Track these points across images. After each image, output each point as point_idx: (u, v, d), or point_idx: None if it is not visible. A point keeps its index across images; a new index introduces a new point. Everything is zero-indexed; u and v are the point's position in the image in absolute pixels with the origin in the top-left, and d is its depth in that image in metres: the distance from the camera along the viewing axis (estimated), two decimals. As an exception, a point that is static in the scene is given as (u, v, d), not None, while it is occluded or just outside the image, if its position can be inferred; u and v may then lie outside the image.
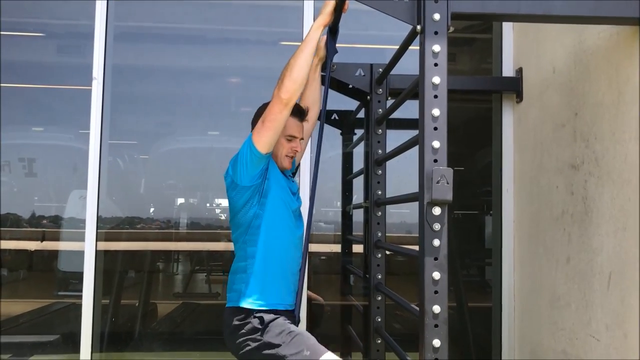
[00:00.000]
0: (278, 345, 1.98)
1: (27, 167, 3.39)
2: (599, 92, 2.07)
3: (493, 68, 2.99)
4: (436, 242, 1.67)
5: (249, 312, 2.06)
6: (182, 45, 3.97)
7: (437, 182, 1.65)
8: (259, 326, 2.02)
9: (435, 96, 1.71)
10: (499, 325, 2.85)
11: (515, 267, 2.82)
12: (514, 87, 2.78)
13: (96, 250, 2.91)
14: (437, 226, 1.67)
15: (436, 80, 1.70)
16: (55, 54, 3.84)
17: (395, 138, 2.73)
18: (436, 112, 1.70)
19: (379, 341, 2.57)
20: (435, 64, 1.71)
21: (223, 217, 4.58)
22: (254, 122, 2.18)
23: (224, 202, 4.60)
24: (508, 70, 2.87)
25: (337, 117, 3.61)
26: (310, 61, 2.07)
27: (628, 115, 1.89)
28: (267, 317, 2.04)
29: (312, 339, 2.02)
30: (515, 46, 2.87)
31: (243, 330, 2.04)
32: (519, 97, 2.78)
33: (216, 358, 4.10)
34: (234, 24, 3.98)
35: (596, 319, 2.05)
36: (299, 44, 3.17)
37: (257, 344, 2.01)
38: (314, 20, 2.11)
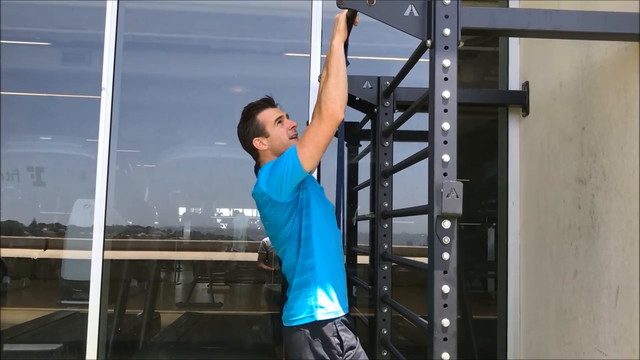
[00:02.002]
0: None
1: (36, 176, 3.40)
2: (606, 106, 2.08)
3: (499, 81, 3.01)
4: (446, 256, 1.67)
5: (324, 324, 2.03)
6: (188, 55, 4.00)
7: (447, 196, 1.65)
8: (339, 348, 2.01)
9: (445, 110, 1.72)
10: (504, 337, 2.85)
11: (521, 280, 2.82)
12: (521, 100, 2.80)
13: (103, 259, 2.90)
14: (446, 240, 1.68)
15: (446, 94, 1.72)
16: (63, 62, 3.86)
17: (401, 150, 2.75)
18: (446, 126, 1.71)
19: (385, 353, 2.57)
20: (446, 79, 1.73)
21: (224, 227, 4.59)
22: (248, 136, 2.20)
23: (225, 212, 4.62)
24: (514, 84, 2.89)
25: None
26: (346, 76, 2.06)
27: (636, 130, 1.90)
28: (346, 337, 2.03)
29: None
30: (521, 60, 2.89)
31: (318, 347, 2.02)
32: (525, 110, 2.79)
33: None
34: (240, 35, 4.01)
35: (604, 333, 2.06)
36: (304, 55, 3.21)
37: None
38: (334, 39, 2.09)
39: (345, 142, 3.68)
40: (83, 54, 3.78)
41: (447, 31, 1.72)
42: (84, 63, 3.76)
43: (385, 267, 2.62)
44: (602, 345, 2.06)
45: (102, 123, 2.85)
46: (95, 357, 2.94)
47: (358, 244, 3.54)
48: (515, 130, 2.88)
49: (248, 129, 2.21)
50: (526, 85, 2.80)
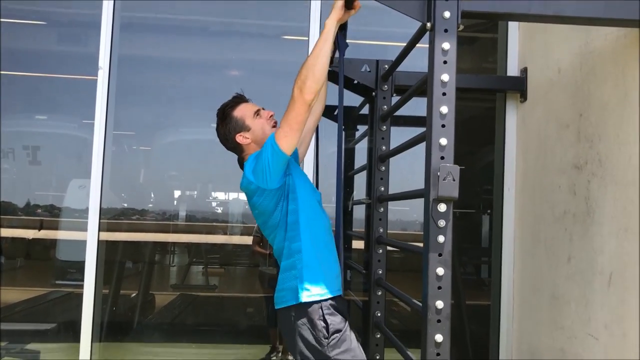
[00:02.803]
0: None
1: (31, 155, 3.39)
2: (604, 93, 2.09)
3: (498, 67, 3.01)
4: (441, 239, 1.68)
5: (308, 306, 2.04)
6: (185, 37, 3.98)
7: (444, 179, 1.66)
8: (325, 331, 2.02)
9: (444, 94, 1.72)
10: (497, 323, 2.87)
11: (515, 266, 2.84)
12: (519, 86, 2.80)
13: (98, 240, 2.90)
14: (442, 223, 1.68)
15: (445, 77, 1.71)
16: (60, 42, 3.84)
17: (398, 135, 2.75)
18: (444, 109, 1.71)
19: (378, 336, 2.59)
20: (445, 62, 1.72)
21: (219, 211, 4.59)
22: (230, 134, 2.21)
23: (220, 196, 4.63)
24: (513, 70, 2.89)
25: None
26: (329, 58, 2.05)
27: (633, 117, 1.91)
28: (333, 320, 2.04)
29: None
30: (520, 46, 2.88)
31: (304, 329, 2.04)
32: (523, 96, 2.79)
33: (213, 350, 4.13)
34: (237, 17, 3.98)
35: (595, 318, 2.07)
36: (302, 38, 3.19)
37: (319, 348, 2.02)
38: (329, 17, 2.08)
39: (343, 127, 3.70)
40: (80, 34, 3.76)
41: (447, 14, 1.72)
42: (82, 44, 3.74)
43: (380, 251, 2.63)
44: (593, 330, 2.08)
45: (99, 102, 2.84)
46: (89, 337, 2.95)
47: (354, 229, 3.56)
48: (513, 116, 2.88)
49: (228, 127, 2.21)
50: (525, 71, 2.80)
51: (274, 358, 3.95)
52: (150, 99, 4.05)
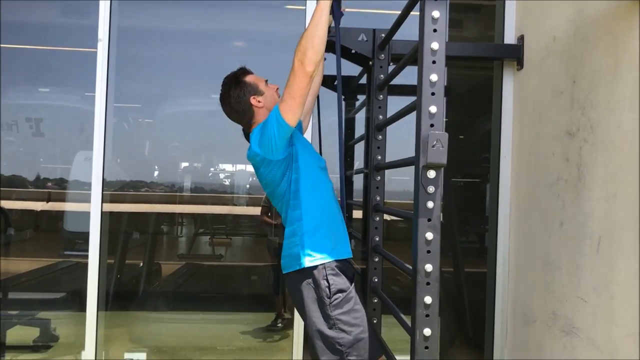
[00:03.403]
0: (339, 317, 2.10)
1: (35, 126, 3.44)
2: (596, 60, 2.10)
3: (495, 35, 3.01)
4: (430, 204, 1.73)
5: (313, 269, 2.12)
6: (185, 8, 3.98)
7: (433, 146, 1.69)
8: (327, 290, 2.10)
9: (434, 62, 1.74)
10: (493, 288, 2.93)
11: (511, 233, 2.89)
12: (515, 54, 2.80)
13: (102, 212, 2.97)
14: (431, 189, 1.72)
15: (435, 46, 1.74)
16: (62, 15, 3.85)
17: (397, 104, 2.77)
18: (434, 77, 1.73)
19: (375, 300, 2.66)
20: (435, 30, 1.74)
21: (226, 182, 4.65)
22: (244, 97, 2.24)
23: (226, 167, 4.68)
24: (510, 38, 2.89)
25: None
26: (327, 28, 2.08)
27: (623, 83, 1.93)
28: (335, 280, 2.11)
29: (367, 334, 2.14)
30: (517, 13, 2.88)
31: (309, 289, 2.13)
32: (520, 64, 2.80)
33: (220, 316, 4.23)
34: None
35: (585, 281, 2.12)
36: (302, 7, 3.19)
37: (321, 307, 2.11)
38: None
39: (342, 97, 3.72)
40: (81, 6, 3.77)
41: (436, -18, 1.73)
42: (84, 16, 3.75)
43: (377, 218, 2.68)
44: (582, 293, 2.14)
45: (99, 74, 2.87)
46: (95, 306, 3.03)
47: (354, 198, 3.61)
48: (510, 84, 2.90)
49: (243, 89, 2.25)
50: (521, 39, 2.80)
51: (280, 325, 4.05)
52: (151, 71, 4.07)
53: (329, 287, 2.09)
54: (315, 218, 2.19)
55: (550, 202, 2.42)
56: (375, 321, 2.67)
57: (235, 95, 2.25)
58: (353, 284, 2.19)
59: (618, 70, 1.96)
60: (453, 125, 3.93)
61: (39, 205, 4.32)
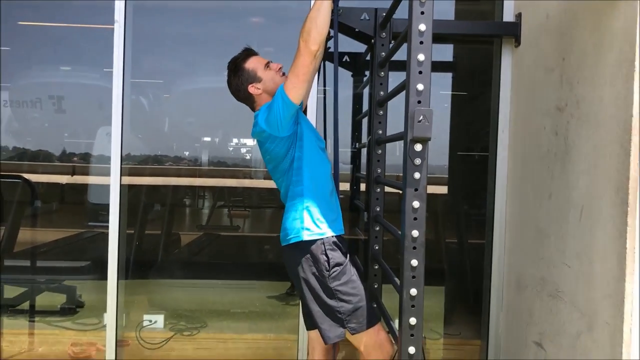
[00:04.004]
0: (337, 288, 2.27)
1: (57, 104, 3.63)
2: (583, 38, 2.20)
3: (495, 13, 3.09)
4: (417, 175, 1.87)
5: (311, 243, 2.28)
6: None
7: (419, 122, 1.83)
8: (327, 264, 2.26)
9: (421, 42, 1.86)
10: (490, 257, 3.07)
11: (507, 204, 3.01)
12: (513, 31, 2.89)
13: (120, 184, 3.15)
14: (417, 161, 1.86)
15: (422, 27, 1.86)
16: None
17: (400, 80, 2.88)
18: (421, 57, 1.86)
19: (376, 267, 2.82)
20: (422, 12, 1.86)
21: (248, 157, 4.82)
22: (243, 85, 2.37)
23: (244, 142, 4.84)
24: (509, 15, 2.97)
25: (348, 59, 3.75)
26: (330, 9, 2.19)
27: (605, 61, 2.03)
28: (334, 255, 2.27)
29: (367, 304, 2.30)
30: (516, -9, 2.97)
31: (308, 263, 2.28)
32: (517, 41, 2.90)
33: (235, 283, 4.43)
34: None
35: (569, 248, 2.26)
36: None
37: (321, 279, 2.27)
38: None
39: (351, 73, 3.85)
40: None
41: (423, -33, 1.84)
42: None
43: (378, 190, 2.83)
44: (567, 259, 2.27)
45: (116, 55, 3.03)
46: (115, 273, 3.23)
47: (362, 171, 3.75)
48: (508, 61, 2.99)
49: (241, 78, 2.39)
50: (519, 16, 2.89)
51: (294, 292, 4.25)
52: (168, 47, 4.21)
53: (327, 261, 2.25)
54: (316, 195, 2.34)
55: (541, 174, 2.54)
56: (376, 286, 2.84)
57: (235, 83, 2.40)
58: (348, 257, 2.35)
59: (601, 48, 2.06)
60: (460, 98, 4.03)
61: (64, 179, 4.53)
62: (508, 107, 2.99)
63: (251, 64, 2.39)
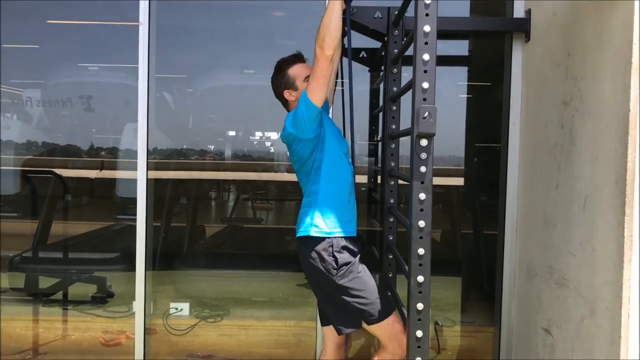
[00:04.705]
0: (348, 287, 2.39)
1: (86, 103, 3.80)
2: (586, 34, 2.28)
3: (506, 9, 3.16)
4: (423, 169, 1.98)
5: (318, 241, 2.41)
6: None
7: (424, 118, 1.94)
8: (334, 264, 2.38)
9: (426, 43, 1.97)
10: (502, 247, 3.16)
11: (518, 195, 3.10)
12: (523, 27, 2.97)
13: (147, 178, 3.31)
14: (423, 155, 1.98)
15: (427, 28, 1.96)
16: None
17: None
18: (426, 57, 1.97)
19: (390, 257, 2.93)
20: (427, 14, 1.97)
21: (272, 150, 4.96)
22: (280, 88, 2.52)
23: (268, 136, 4.98)
24: (519, 11, 3.05)
25: (365, 55, 3.86)
26: (341, 14, 2.31)
27: (605, 56, 2.11)
28: (341, 256, 2.39)
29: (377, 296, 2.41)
30: (526, -13, 3.04)
31: (316, 261, 2.41)
32: (527, 37, 2.97)
33: (257, 273, 4.58)
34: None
35: (574, 237, 2.34)
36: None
37: (329, 277, 2.39)
38: None
39: (368, 69, 3.95)
40: None
41: (428, -29, 1.95)
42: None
43: (392, 183, 2.94)
44: (572, 248, 2.36)
45: (141, 56, 3.18)
46: (143, 265, 3.39)
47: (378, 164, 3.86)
48: (519, 56, 3.07)
49: (280, 81, 2.53)
50: (529, 12, 2.96)
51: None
52: (192, 43, 4.35)
53: (335, 260, 2.37)
54: (331, 195, 2.47)
55: (549, 165, 2.63)
56: (390, 275, 2.96)
57: (275, 84, 2.56)
58: (358, 256, 2.46)
59: (602, 44, 2.14)
60: (476, 89, 4.10)
61: (93, 173, 4.72)
62: (519, 101, 3.07)
63: (294, 70, 2.52)
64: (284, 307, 4.16)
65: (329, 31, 2.24)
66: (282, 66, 2.55)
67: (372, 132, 4.01)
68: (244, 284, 4.46)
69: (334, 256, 2.38)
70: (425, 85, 1.96)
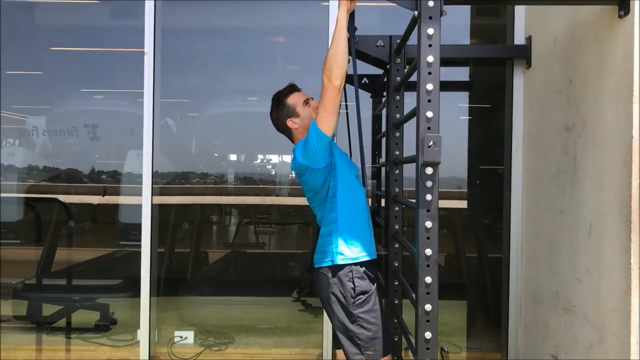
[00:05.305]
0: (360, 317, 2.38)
1: (92, 132, 3.84)
2: (587, 62, 2.31)
3: (507, 36, 3.20)
4: (428, 197, 1.99)
5: (341, 268, 2.41)
6: (222, 5, 4.25)
7: (429, 147, 1.95)
8: (352, 292, 2.38)
9: (429, 73, 1.99)
10: (507, 272, 3.15)
11: (522, 220, 3.10)
12: (524, 54, 3.00)
13: (152, 204, 3.32)
14: (429, 183, 1.98)
15: (430, 59, 1.99)
16: (114, 17, 4.19)
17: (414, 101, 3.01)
18: (430, 86, 1.99)
19: (396, 283, 2.93)
20: (430, 45, 1.99)
21: (269, 175, 4.98)
22: (282, 118, 2.53)
23: (269, 160, 5.01)
24: (520, 38, 3.09)
25: (367, 81, 3.89)
26: (347, 46, 2.35)
27: (607, 84, 2.13)
28: (360, 283, 2.39)
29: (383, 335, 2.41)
30: (526, 15, 3.08)
31: (335, 288, 2.41)
32: (528, 63, 3.00)
33: (260, 299, 4.57)
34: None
35: (580, 263, 2.35)
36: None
37: (345, 303, 2.39)
38: (339, 10, 2.36)
39: (370, 94, 3.98)
40: (131, 7, 4.09)
41: (430, 3, 1.97)
42: (132, 17, 4.09)
43: (397, 208, 2.94)
44: (578, 274, 2.36)
45: (146, 84, 3.22)
46: (148, 291, 3.38)
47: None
48: (520, 81, 3.10)
49: (280, 112, 2.56)
50: (529, 39, 3.00)
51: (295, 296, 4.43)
52: (199, 67, 4.40)
53: (354, 288, 2.38)
54: (350, 220, 2.47)
55: (553, 191, 2.64)
56: (396, 302, 2.94)
57: (275, 116, 2.57)
58: (375, 285, 2.47)
59: (603, 72, 2.17)
60: (477, 112, 4.13)
61: (95, 199, 4.73)
62: (521, 126, 3.09)
63: (292, 99, 2.55)
64: (288, 334, 4.14)
65: (336, 62, 2.27)
66: (280, 98, 2.58)
67: (375, 157, 4.03)
68: (247, 310, 4.45)
69: (353, 283, 2.38)
70: (430, 114, 1.98)
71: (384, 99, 3.83)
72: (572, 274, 2.42)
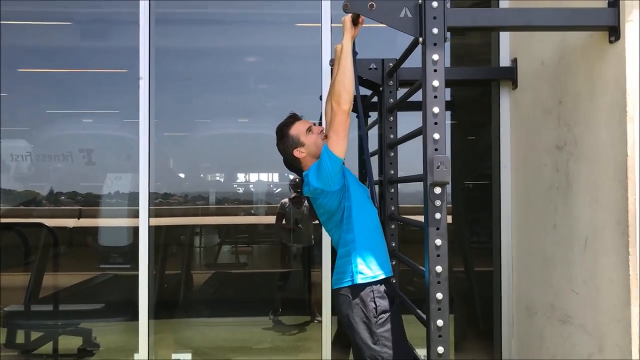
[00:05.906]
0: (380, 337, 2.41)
1: (87, 156, 3.82)
2: (577, 84, 2.43)
3: (492, 58, 3.33)
4: (437, 215, 2.06)
5: (362, 288, 2.43)
6: (203, 28, 4.31)
7: (437, 167, 2.03)
8: (374, 311, 2.41)
9: (435, 96, 2.08)
10: (499, 285, 3.25)
11: (512, 234, 3.21)
12: (510, 75, 3.14)
13: (149, 226, 3.31)
14: (438, 202, 2.06)
15: (435, 83, 2.08)
16: (105, 38, 4.19)
17: (407, 119, 3.11)
18: (436, 109, 2.07)
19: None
20: (435, 70, 2.08)
21: (245, 194, 5.00)
22: (289, 149, 2.57)
23: (244, 179, 5.04)
24: (505, 60, 3.22)
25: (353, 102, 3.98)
26: (353, 71, 2.42)
27: (598, 105, 2.26)
28: (382, 303, 2.42)
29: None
30: (511, 37, 3.21)
31: (357, 308, 2.43)
32: (514, 84, 3.13)
33: (248, 320, 4.57)
34: (254, 8, 4.27)
35: (576, 276, 2.45)
36: (312, 25, 3.54)
37: (368, 323, 2.41)
38: (344, 37, 2.43)
39: (356, 114, 4.07)
40: (122, 30, 4.10)
41: (435, 30, 2.07)
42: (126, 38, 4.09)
43: (393, 226, 3.02)
44: (574, 286, 2.46)
45: (142, 107, 3.23)
46: (146, 314, 3.36)
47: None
48: (506, 102, 3.23)
49: (286, 144, 2.59)
50: (515, 61, 3.13)
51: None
52: (193, 88, 4.45)
53: (375, 308, 2.41)
54: (366, 241, 2.51)
55: (545, 207, 2.75)
56: (394, 318, 3.01)
57: (282, 148, 2.60)
58: (394, 304, 2.52)
59: (595, 93, 2.29)
60: (460, 127, 4.24)
61: (71, 222, 4.66)
62: (508, 144, 3.21)
63: (295, 130, 2.57)
64: (282, 353, 4.16)
65: (344, 87, 2.34)
66: (283, 130, 2.62)
67: (362, 175, 4.11)
68: (237, 330, 4.45)
69: (375, 302, 2.43)
70: (437, 136, 2.07)
71: (370, 119, 3.93)
72: (568, 286, 2.52)
